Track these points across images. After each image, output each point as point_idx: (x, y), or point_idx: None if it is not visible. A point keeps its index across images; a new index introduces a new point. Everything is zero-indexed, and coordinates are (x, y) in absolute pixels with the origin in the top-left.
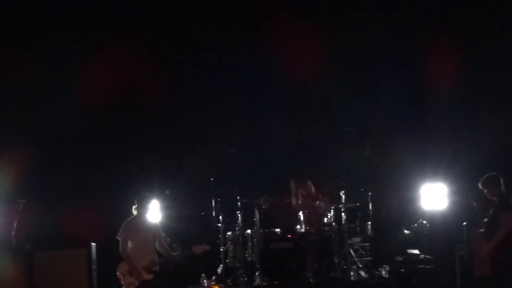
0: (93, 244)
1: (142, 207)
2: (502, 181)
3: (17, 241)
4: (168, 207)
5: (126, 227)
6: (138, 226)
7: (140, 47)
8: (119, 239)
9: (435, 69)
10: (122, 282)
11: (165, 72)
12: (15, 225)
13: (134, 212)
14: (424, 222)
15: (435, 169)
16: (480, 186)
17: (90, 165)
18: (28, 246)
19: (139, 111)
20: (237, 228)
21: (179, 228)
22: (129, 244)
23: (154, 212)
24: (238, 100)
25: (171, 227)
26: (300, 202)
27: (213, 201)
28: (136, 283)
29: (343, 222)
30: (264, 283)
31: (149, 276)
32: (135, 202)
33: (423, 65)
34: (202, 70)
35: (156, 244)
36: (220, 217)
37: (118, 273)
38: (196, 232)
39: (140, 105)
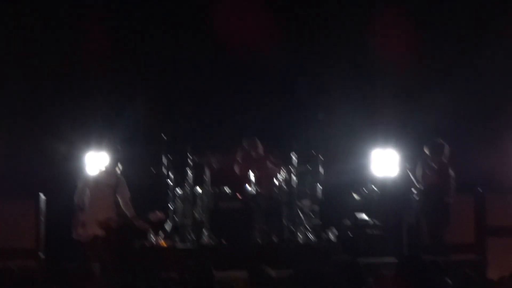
0: (42, 195)
1: (105, 161)
2: (446, 150)
3: None
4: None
5: (87, 178)
6: (100, 179)
7: None
8: (78, 185)
9: (383, 34)
10: (75, 233)
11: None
12: None
13: (97, 164)
14: (374, 187)
15: (386, 135)
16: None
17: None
18: None
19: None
20: (187, 186)
21: (130, 184)
22: (87, 195)
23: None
24: (194, 57)
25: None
26: (251, 162)
27: (164, 158)
28: (87, 236)
29: (293, 184)
30: (212, 242)
31: (101, 232)
32: (100, 155)
33: (372, 31)
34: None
35: (121, 202)
36: (170, 174)
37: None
38: (146, 188)
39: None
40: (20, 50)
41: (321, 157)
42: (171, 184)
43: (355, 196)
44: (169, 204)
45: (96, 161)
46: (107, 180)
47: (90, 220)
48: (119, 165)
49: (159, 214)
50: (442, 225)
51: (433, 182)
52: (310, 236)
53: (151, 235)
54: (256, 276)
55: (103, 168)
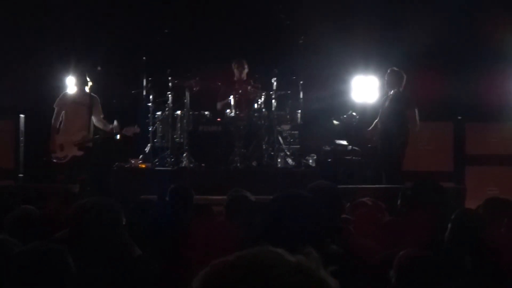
0: (21, 115)
1: (80, 82)
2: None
3: None
4: (98, 83)
5: (62, 98)
6: (75, 99)
7: None
8: (55, 108)
9: None
10: (53, 155)
11: None
12: None
13: (74, 86)
14: (354, 114)
15: (366, 61)
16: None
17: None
18: None
19: None
20: (166, 109)
21: (110, 105)
22: (63, 116)
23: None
24: None
25: (102, 104)
26: (231, 86)
27: (144, 80)
28: (65, 158)
29: (273, 109)
30: (191, 165)
31: (79, 152)
32: (75, 76)
33: None
34: None
35: (94, 119)
36: (151, 97)
37: (50, 146)
38: (126, 111)
39: None
40: None
41: (301, 82)
42: (151, 106)
43: (335, 122)
44: (148, 127)
45: (73, 82)
46: (82, 100)
47: (68, 141)
48: (89, 83)
49: (135, 128)
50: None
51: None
52: (289, 161)
53: (131, 158)
54: (235, 201)
55: (76, 88)
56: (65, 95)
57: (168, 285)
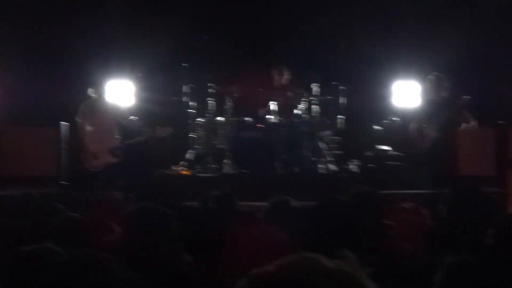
0: (64, 123)
1: (99, 91)
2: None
3: None
4: (140, 90)
5: (83, 109)
6: (96, 108)
7: None
8: (78, 120)
9: None
10: (87, 164)
11: None
12: None
13: (92, 95)
14: (396, 118)
15: (407, 66)
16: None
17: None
18: None
19: None
20: (208, 115)
21: (151, 112)
22: (88, 127)
23: (127, 95)
24: None
25: (144, 111)
26: (273, 92)
27: (185, 87)
28: (100, 165)
29: (314, 114)
30: (233, 171)
31: (113, 159)
32: (91, 85)
33: None
34: None
35: (122, 123)
36: (192, 103)
37: (84, 157)
38: (167, 117)
39: None
40: None
41: (342, 88)
42: (192, 112)
43: (377, 127)
44: (190, 134)
45: (117, 89)
46: (107, 106)
47: (100, 149)
48: (106, 89)
49: (168, 129)
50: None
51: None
52: (331, 167)
53: (171, 165)
54: (277, 206)
55: (96, 97)
56: (87, 105)
57: None
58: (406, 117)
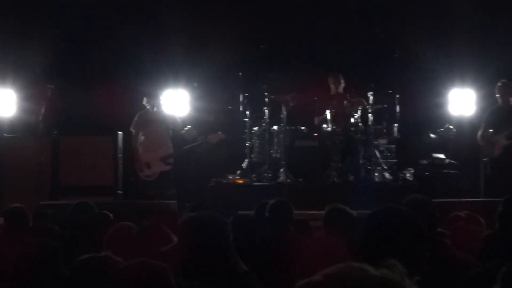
0: (120, 132)
1: (152, 102)
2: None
3: (44, 126)
4: (196, 99)
5: (137, 120)
6: (149, 118)
7: None
8: (132, 131)
9: None
10: (141, 173)
11: None
12: (42, 110)
13: (146, 105)
14: (451, 127)
15: (463, 74)
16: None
17: (118, 53)
18: (54, 132)
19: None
20: (263, 124)
21: (206, 121)
22: (141, 137)
23: (183, 104)
24: None
25: (198, 120)
26: (328, 101)
27: (241, 96)
28: (154, 175)
29: (369, 123)
30: (289, 180)
31: (166, 167)
32: (145, 95)
33: None
34: None
35: (177, 130)
36: (247, 112)
37: (137, 166)
38: (221, 126)
39: None
40: None
41: (397, 96)
42: (248, 122)
43: (432, 135)
44: (246, 142)
45: (173, 100)
46: (159, 116)
47: (153, 158)
48: (160, 99)
49: (220, 135)
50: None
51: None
52: (387, 175)
53: (227, 174)
54: (334, 215)
55: (149, 107)
56: (141, 116)
57: None
58: (462, 125)
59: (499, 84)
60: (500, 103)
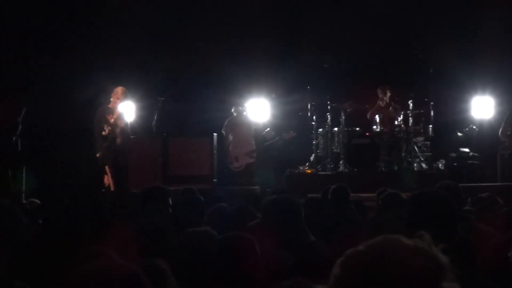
0: (215, 134)
1: (238, 109)
2: None
3: (156, 129)
4: (274, 107)
5: (227, 124)
6: (237, 122)
7: None
8: (223, 132)
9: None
10: (231, 165)
11: None
12: (155, 117)
13: (233, 113)
14: (474, 127)
15: (484, 85)
16: None
17: (211, 70)
18: (164, 133)
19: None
20: (326, 126)
21: (282, 124)
22: (230, 136)
23: (264, 111)
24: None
25: (276, 123)
26: (378, 107)
27: (309, 105)
28: (241, 166)
29: (409, 124)
30: (346, 170)
31: (251, 160)
32: (234, 104)
33: None
34: None
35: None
36: (314, 117)
37: (228, 159)
38: (294, 128)
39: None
40: None
41: (432, 103)
42: (314, 124)
43: (459, 133)
44: (313, 141)
45: (256, 107)
46: (242, 121)
47: (240, 153)
48: (245, 107)
49: (292, 133)
50: None
51: None
52: (423, 165)
53: (299, 165)
54: (389, 197)
55: (236, 114)
56: (230, 120)
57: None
58: (483, 126)
59: None
60: None
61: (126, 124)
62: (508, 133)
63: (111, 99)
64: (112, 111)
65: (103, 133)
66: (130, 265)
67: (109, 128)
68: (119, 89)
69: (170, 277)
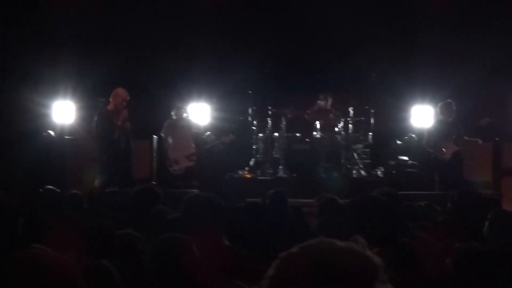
0: (155, 136)
1: (178, 112)
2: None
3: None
4: (214, 111)
5: (166, 126)
6: (176, 125)
7: None
8: (162, 135)
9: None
10: (171, 168)
11: None
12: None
13: (173, 116)
14: (413, 135)
15: (423, 94)
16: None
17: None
18: None
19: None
20: (267, 131)
21: (223, 128)
22: (170, 139)
23: (204, 115)
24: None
25: (216, 127)
26: (318, 113)
27: (250, 109)
28: (181, 169)
29: (349, 131)
30: (286, 175)
31: (190, 163)
32: (174, 107)
33: None
34: None
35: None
36: (255, 122)
37: (167, 162)
38: (234, 132)
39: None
40: None
41: (372, 111)
42: (255, 129)
43: (398, 142)
44: (253, 145)
45: (196, 111)
46: (184, 123)
47: (180, 156)
48: (186, 111)
49: (231, 136)
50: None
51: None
52: (362, 172)
53: (238, 170)
54: (327, 202)
55: (175, 116)
56: (169, 123)
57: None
58: (422, 134)
59: (440, 103)
60: (442, 118)
61: (130, 127)
62: (432, 143)
63: (111, 102)
64: (117, 114)
65: (114, 136)
66: (64, 259)
67: (118, 132)
68: (121, 91)
69: (117, 277)
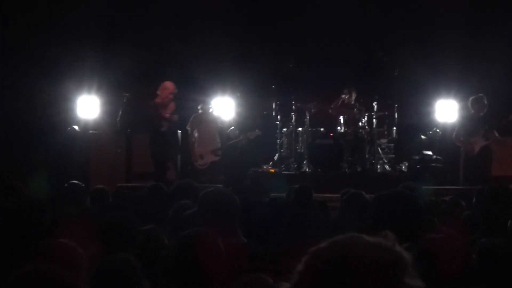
0: (179, 131)
1: (205, 107)
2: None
3: (120, 125)
4: (238, 106)
5: (192, 120)
6: (202, 119)
7: None
8: (188, 129)
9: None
10: (196, 163)
11: None
12: (120, 113)
13: (199, 110)
14: (438, 130)
15: (448, 88)
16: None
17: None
18: (128, 130)
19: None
20: (291, 126)
21: (247, 123)
22: (195, 133)
23: (229, 109)
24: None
25: (240, 122)
26: (342, 108)
27: (274, 104)
28: (206, 164)
29: (374, 126)
30: (310, 170)
31: (216, 158)
32: (200, 102)
33: None
34: None
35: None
36: (278, 117)
37: (192, 157)
38: (259, 127)
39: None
40: None
41: (396, 105)
42: (279, 124)
43: (423, 136)
44: (277, 140)
45: (221, 106)
46: (208, 118)
47: (205, 151)
48: (211, 105)
49: (256, 132)
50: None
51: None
52: (386, 167)
53: (263, 164)
54: (352, 197)
55: (201, 110)
56: (195, 117)
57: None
58: (446, 129)
59: (472, 97)
60: (473, 112)
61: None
62: (461, 138)
63: (159, 95)
64: (165, 107)
65: (162, 129)
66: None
67: (167, 124)
68: (169, 84)
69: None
